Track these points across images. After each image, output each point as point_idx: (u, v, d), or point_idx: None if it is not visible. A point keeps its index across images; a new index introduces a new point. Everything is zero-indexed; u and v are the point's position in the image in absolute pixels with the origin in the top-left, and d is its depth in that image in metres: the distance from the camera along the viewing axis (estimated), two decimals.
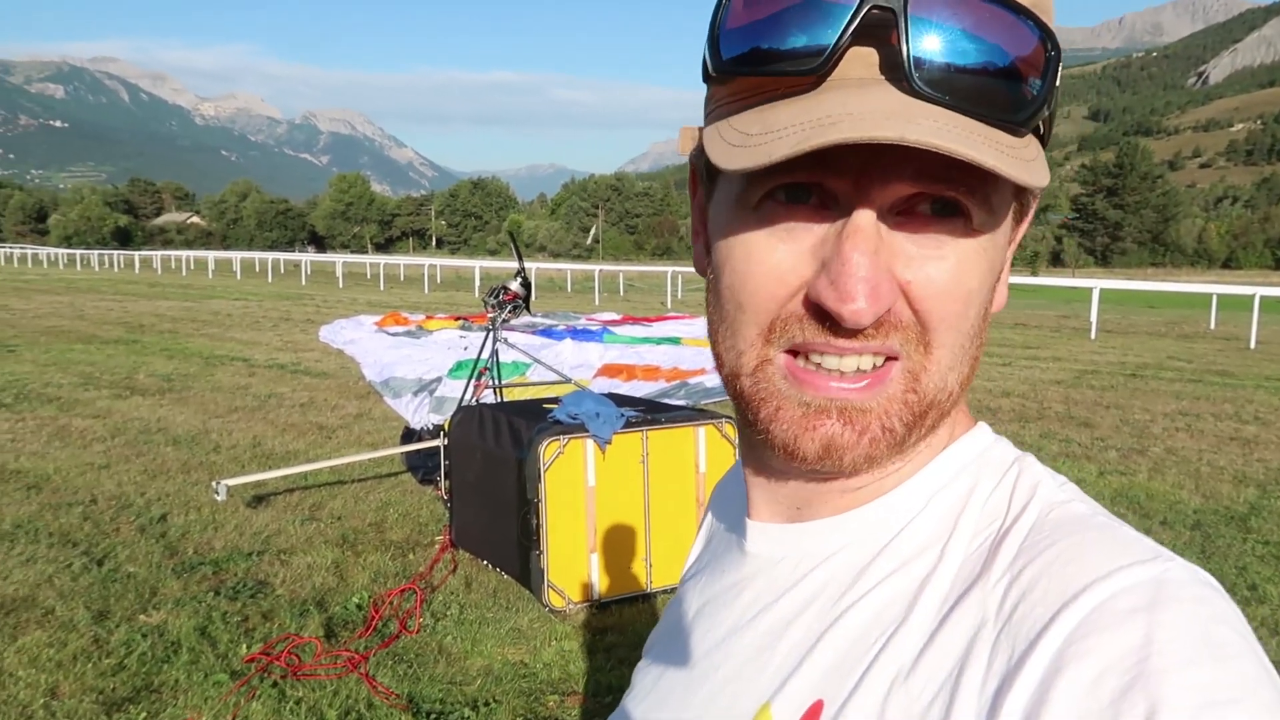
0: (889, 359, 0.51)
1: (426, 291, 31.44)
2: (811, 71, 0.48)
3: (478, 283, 31.81)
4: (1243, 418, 9.31)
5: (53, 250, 68.68)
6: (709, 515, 0.78)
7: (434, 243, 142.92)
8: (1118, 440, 8.18)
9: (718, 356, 0.56)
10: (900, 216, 0.50)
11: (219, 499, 5.53)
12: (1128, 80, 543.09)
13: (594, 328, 15.38)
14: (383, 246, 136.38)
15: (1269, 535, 5.49)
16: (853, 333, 0.50)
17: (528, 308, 6.45)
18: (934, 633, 0.50)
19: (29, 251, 65.64)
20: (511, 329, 13.05)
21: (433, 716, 3.32)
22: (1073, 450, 7.75)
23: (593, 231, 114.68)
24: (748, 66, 0.50)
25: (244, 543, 5.13)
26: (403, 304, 23.32)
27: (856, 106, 0.46)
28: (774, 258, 0.51)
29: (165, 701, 3.38)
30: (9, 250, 67.44)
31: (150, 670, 3.61)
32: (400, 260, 47.85)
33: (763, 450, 0.58)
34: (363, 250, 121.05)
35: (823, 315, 0.50)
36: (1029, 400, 10.15)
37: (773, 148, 0.47)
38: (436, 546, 5.07)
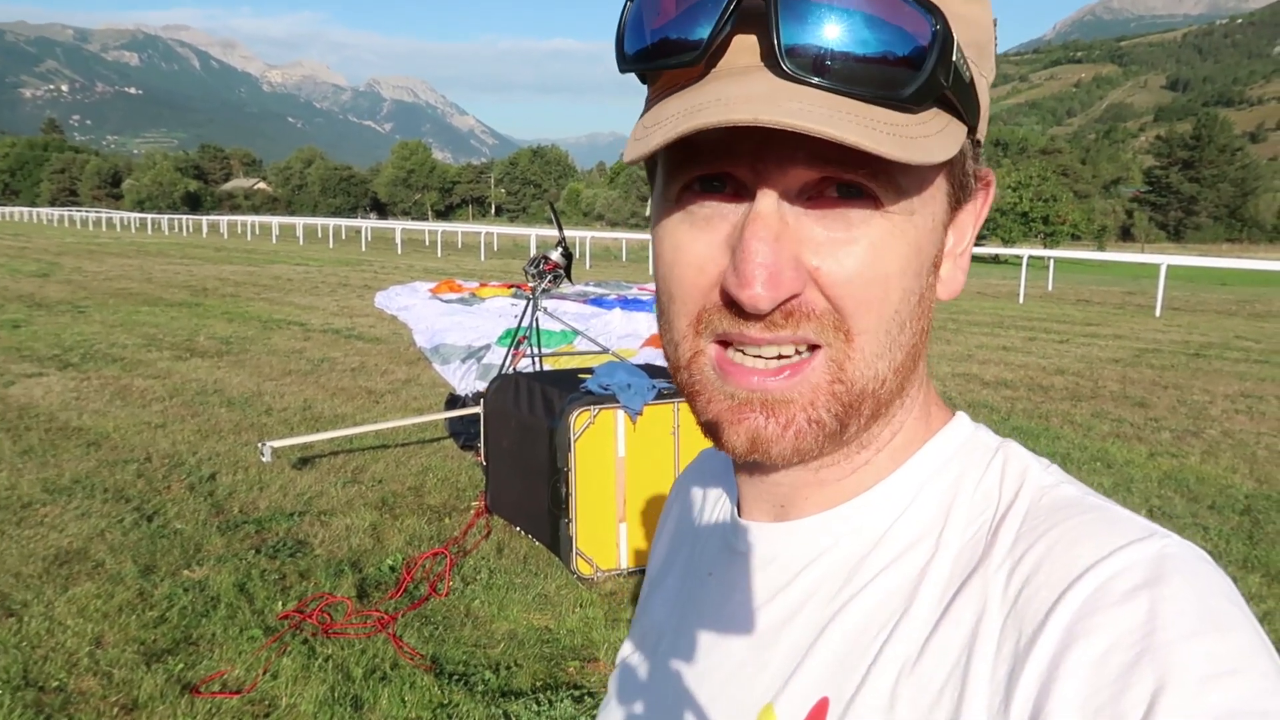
0: (812, 348, 0.51)
1: (483, 259, 31.71)
2: (692, 63, 0.48)
3: (533, 250, 31.96)
4: None
5: (126, 214, 70.69)
6: (673, 512, 0.76)
7: (493, 210, 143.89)
8: (1172, 421, 7.96)
9: (664, 350, 0.57)
10: (809, 201, 0.49)
11: (265, 460, 5.69)
12: (1209, 48, 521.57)
13: (644, 297, 15.37)
14: (443, 214, 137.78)
15: None
16: (764, 322, 0.50)
17: (569, 277, 6.47)
18: (938, 621, 0.50)
19: (104, 215, 67.59)
20: (562, 297, 13.13)
21: (454, 678, 3.40)
22: (1124, 430, 7.56)
23: (650, 200, 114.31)
24: (640, 63, 0.51)
25: (287, 503, 5.28)
26: (459, 271, 23.58)
27: (728, 92, 0.46)
28: (695, 248, 0.51)
29: (202, 654, 3.51)
30: (85, 214, 69.51)
31: (190, 624, 3.75)
32: (459, 227, 48.28)
33: None
34: (423, 217, 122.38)
35: (736, 304, 0.50)
36: (1083, 379, 9.91)
37: (651, 138, 0.48)
38: (472, 512, 5.17)
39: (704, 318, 0.52)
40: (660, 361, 8.99)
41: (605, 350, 7.62)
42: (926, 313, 0.54)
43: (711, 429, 0.53)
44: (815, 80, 0.45)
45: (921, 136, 0.47)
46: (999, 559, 0.50)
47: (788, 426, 0.51)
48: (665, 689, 0.63)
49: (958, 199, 0.54)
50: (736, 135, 0.47)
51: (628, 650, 0.72)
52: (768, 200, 0.49)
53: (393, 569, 4.37)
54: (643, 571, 4.41)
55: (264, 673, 3.37)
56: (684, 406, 4.54)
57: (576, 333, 8.88)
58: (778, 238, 0.48)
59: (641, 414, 4.42)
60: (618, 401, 4.41)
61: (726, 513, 0.63)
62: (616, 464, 4.42)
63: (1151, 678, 0.42)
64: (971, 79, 0.49)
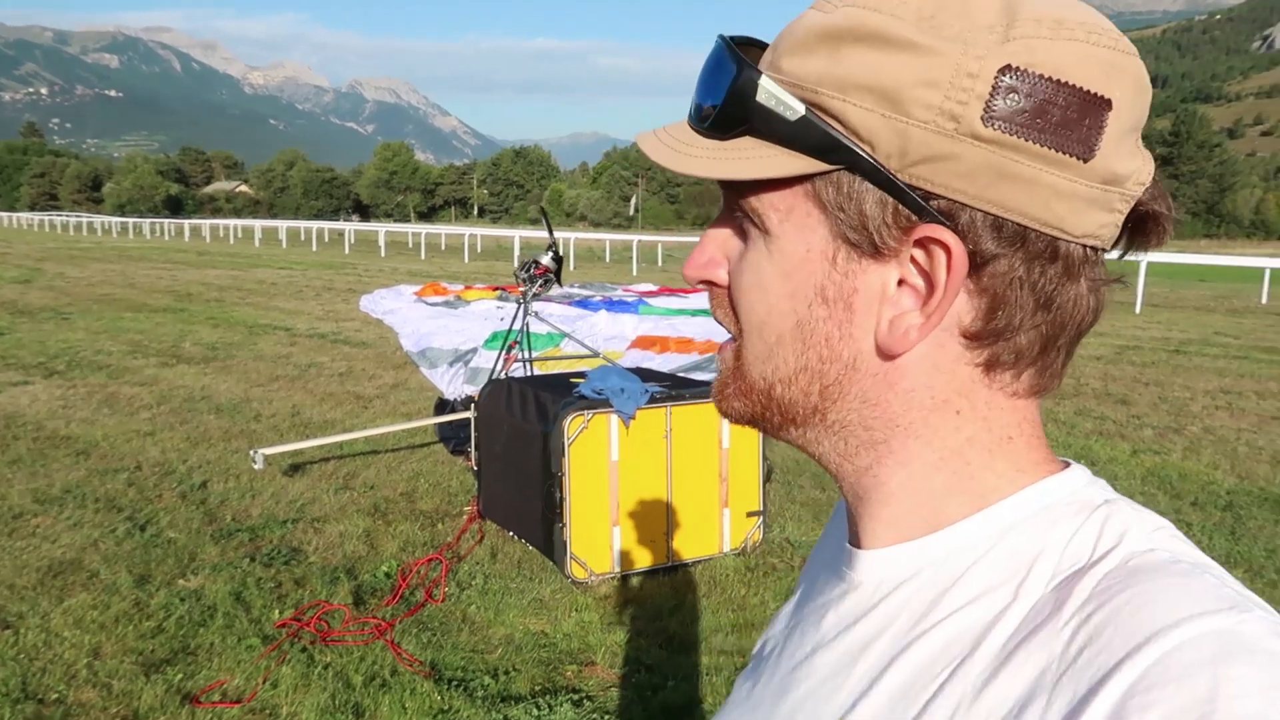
0: (733, 338, 0.62)
1: (467, 260, 31.67)
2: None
3: (517, 252, 31.95)
4: None
5: (107, 218, 70.07)
6: (829, 526, 0.80)
7: (476, 211, 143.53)
8: (1154, 418, 8.07)
9: None
10: (740, 218, 0.60)
11: (257, 467, 5.70)
12: (1188, 44, 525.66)
13: (630, 299, 15.41)
14: (425, 215, 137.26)
15: None
16: (710, 304, 0.63)
17: (559, 281, 6.51)
18: (999, 668, 0.51)
19: (85, 220, 67.04)
20: (548, 299, 13.14)
21: (454, 684, 3.43)
22: (1106, 428, 7.66)
23: (634, 201, 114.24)
24: None
25: (280, 510, 5.30)
26: (443, 274, 23.54)
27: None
28: None
29: (200, 664, 3.53)
30: (66, 219, 68.94)
31: (187, 633, 3.77)
32: (442, 229, 48.18)
33: None
34: (406, 219, 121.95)
35: None
36: (1066, 377, 9.99)
37: None
38: (464, 517, 5.19)
39: None
40: (647, 364, 9.04)
41: (594, 353, 7.66)
42: (826, 344, 0.56)
43: None
44: (691, 120, 0.59)
45: (708, 157, 0.56)
46: (1069, 614, 0.50)
47: (716, 385, 0.64)
48: (765, 695, 0.67)
49: (845, 237, 0.54)
50: None
51: (754, 653, 0.78)
52: (720, 212, 0.62)
53: (388, 575, 4.40)
54: (637, 574, 4.45)
55: (264, 681, 3.39)
56: (676, 410, 4.60)
57: (564, 335, 8.91)
58: (711, 237, 0.61)
59: (635, 418, 4.46)
60: (611, 406, 4.44)
61: (843, 535, 0.67)
62: (610, 468, 4.46)
63: None
64: (809, 118, 0.52)
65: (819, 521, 5.26)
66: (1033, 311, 0.54)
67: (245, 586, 4.21)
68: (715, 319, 0.63)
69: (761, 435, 4.83)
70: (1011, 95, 0.49)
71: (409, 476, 5.98)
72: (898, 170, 0.51)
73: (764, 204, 0.56)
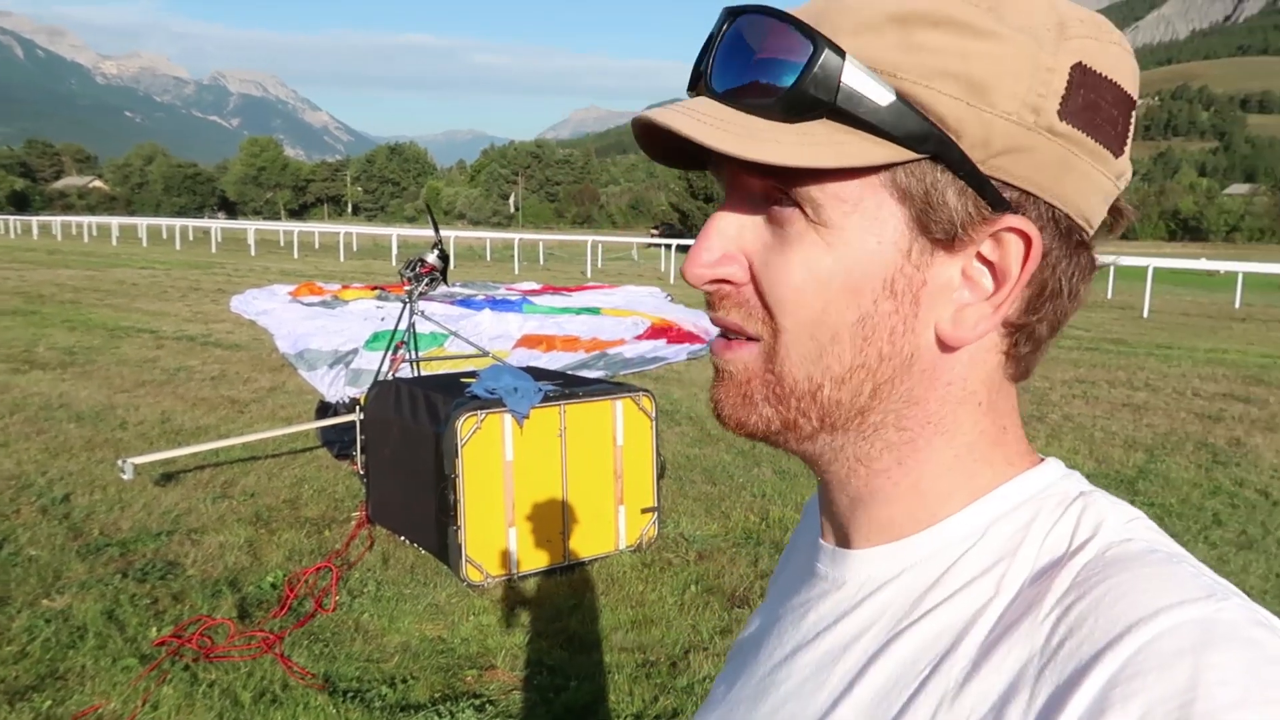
0: (750, 339, 0.57)
1: (343, 259, 30.76)
2: (690, 90, 0.58)
3: (395, 251, 31.23)
4: (1134, 385, 9.78)
5: None
6: (798, 526, 0.80)
7: (350, 209, 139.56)
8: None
9: None
10: (765, 207, 0.55)
11: (125, 478, 5.39)
12: None
13: (513, 298, 15.28)
14: (297, 213, 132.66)
15: (1154, 497, 5.82)
16: (710, 301, 0.58)
17: (445, 280, 6.40)
18: (981, 662, 0.51)
19: None
20: (430, 299, 12.89)
21: (349, 695, 3.33)
22: None
23: (513, 199, 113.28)
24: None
25: (152, 522, 5.02)
26: (318, 273, 22.80)
27: (676, 104, 0.55)
28: None
29: (71, 689, 3.31)
30: None
31: (55, 657, 3.53)
32: (315, 227, 46.61)
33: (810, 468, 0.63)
34: (276, 217, 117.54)
35: None
36: None
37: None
38: (353, 523, 5.04)
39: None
40: (533, 363, 8.98)
41: (484, 353, 7.56)
42: (889, 340, 0.54)
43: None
44: (720, 94, 0.54)
45: (779, 141, 0.51)
46: (1049, 606, 0.50)
47: (729, 394, 0.58)
48: (743, 696, 0.66)
49: (926, 228, 0.53)
50: (704, 147, 0.54)
51: (729, 655, 0.76)
52: (728, 200, 0.57)
53: (274, 586, 4.23)
54: (535, 575, 4.42)
55: (143, 704, 3.21)
56: (570, 409, 4.59)
57: (450, 334, 8.76)
58: (721, 231, 0.56)
59: (528, 417, 4.43)
60: (504, 406, 4.39)
61: (818, 533, 0.66)
62: (504, 469, 4.41)
63: None
64: (903, 103, 0.50)
65: (711, 516, 5.34)
66: (1061, 300, 0.56)
67: (118, 604, 3.97)
68: (721, 321, 0.58)
69: (655, 431, 4.90)
70: (1080, 92, 0.51)
71: (292, 483, 5.76)
72: (981, 161, 0.51)
73: (826, 194, 0.53)
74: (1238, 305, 19.80)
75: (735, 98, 0.53)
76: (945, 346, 0.55)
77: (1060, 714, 0.44)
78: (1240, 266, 21.99)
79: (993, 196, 0.52)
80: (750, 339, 0.56)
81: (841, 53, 0.50)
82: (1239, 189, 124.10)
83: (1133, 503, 0.57)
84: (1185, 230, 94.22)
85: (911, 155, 0.51)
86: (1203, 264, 26.48)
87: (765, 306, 0.55)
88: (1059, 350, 12.22)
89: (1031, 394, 9.12)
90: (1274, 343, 13.83)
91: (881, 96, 0.50)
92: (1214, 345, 13.27)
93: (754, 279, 0.55)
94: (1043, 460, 0.60)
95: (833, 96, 0.50)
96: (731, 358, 0.57)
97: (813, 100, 0.50)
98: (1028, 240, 0.52)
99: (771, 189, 0.54)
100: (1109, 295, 21.35)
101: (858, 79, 0.50)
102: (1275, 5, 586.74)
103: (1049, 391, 9.28)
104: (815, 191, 0.52)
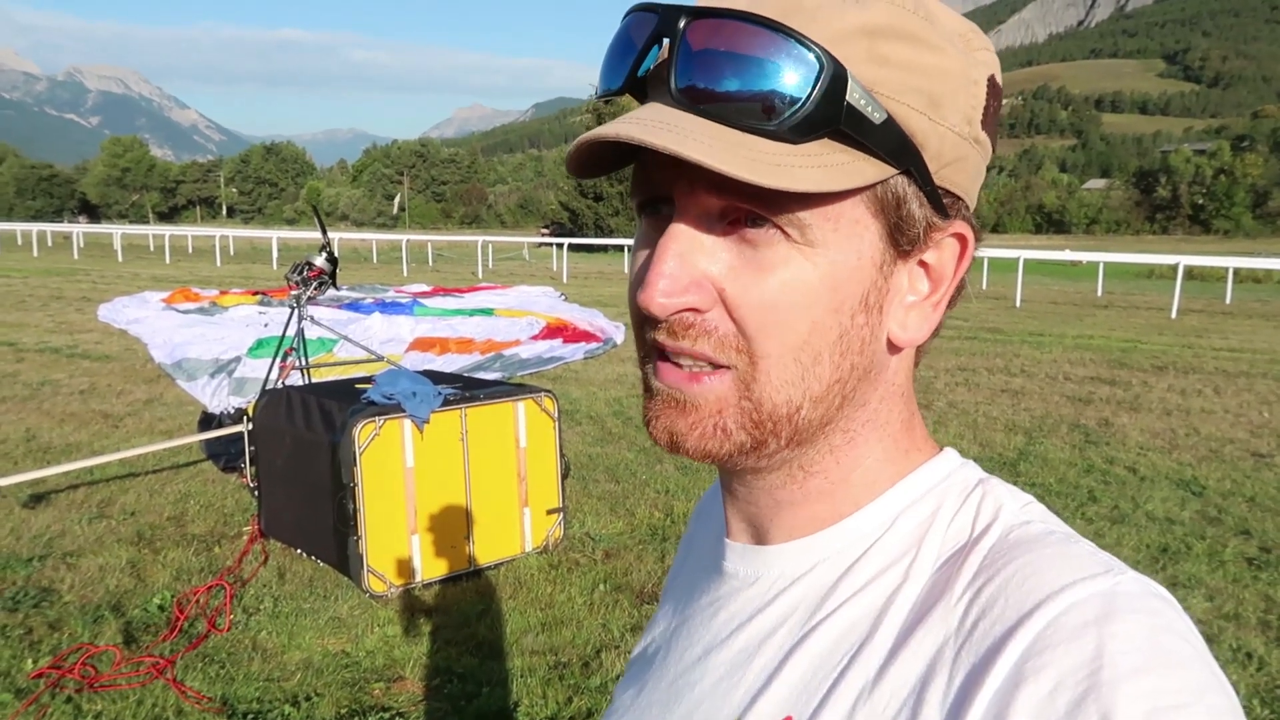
0: (719, 368, 0.53)
1: (219, 264, 29.51)
2: (615, 94, 0.55)
3: (276, 254, 30.16)
4: (1011, 371, 10.25)
5: None
6: (691, 527, 0.79)
7: (225, 211, 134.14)
8: None
9: None
10: (728, 228, 0.52)
11: None
12: None
13: (404, 300, 14.95)
14: (166, 216, 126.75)
15: (1034, 477, 6.11)
16: (666, 330, 0.53)
17: (334, 283, 6.20)
18: (898, 649, 0.51)
19: None
20: (317, 304, 12.49)
21: (250, 717, 3.19)
22: None
23: (398, 199, 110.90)
24: (601, 97, 0.56)
25: (22, 548, 4.70)
26: (193, 278, 21.81)
27: (627, 117, 0.51)
28: (636, 264, 0.56)
29: None
30: None
31: None
32: (189, 231, 44.59)
33: (722, 470, 0.61)
34: (144, 220, 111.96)
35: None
36: None
37: (571, 153, 0.54)
38: (245, 538, 4.84)
39: (645, 327, 0.55)
40: (428, 365, 8.80)
41: (379, 357, 7.37)
42: (860, 351, 0.55)
43: (646, 423, 0.57)
44: (700, 108, 0.49)
45: (794, 165, 0.49)
46: (959, 590, 0.52)
47: (694, 427, 0.54)
48: (654, 699, 0.65)
49: (896, 241, 0.54)
50: (659, 161, 0.51)
51: (632, 660, 0.74)
52: (682, 220, 0.52)
53: (162, 608, 4.02)
54: (440, 582, 4.33)
55: None
56: (471, 412, 4.51)
57: (340, 339, 8.51)
58: (682, 254, 0.52)
59: (429, 422, 4.33)
60: (403, 411, 4.29)
61: (721, 532, 0.65)
62: (405, 475, 4.30)
63: (1096, 716, 0.42)
64: (891, 121, 0.50)
65: (616, 514, 5.33)
66: (965, 291, 0.59)
67: None
68: (687, 352, 0.54)
69: (558, 431, 4.87)
70: (992, 102, 0.55)
71: (176, 499, 5.49)
72: (935, 172, 0.53)
73: (816, 214, 0.51)
74: (1100, 294, 20.99)
75: (724, 115, 0.49)
76: (893, 348, 0.57)
77: (978, 691, 0.46)
78: (1101, 257, 23.41)
79: (941, 205, 0.54)
80: (719, 367, 0.54)
81: (844, 71, 0.48)
82: (1096, 184, 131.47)
83: (1016, 484, 0.60)
84: (1050, 223, 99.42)
85: (894, 171, 0.52)
86: (1067, 255, 28.02)
87: (742, 334, 0.52)
88: (942, 340, 12.46)
89: (917, 383, 9.38)
90: (1134, 328, 14.71)
91: (877, 114, 0.50)
92: (1081, 332, 14.02)
93: (725, 305, 0.52)
94: (940, 449, 0.62)
95: (840, 117, 0.49)
96: (700, 390, 0.54)
97: (823, 121, 0.49)
98: (964, 242, 0.56)
99: (733, 207, 0.51)
100: (984, 286, 22.31)
101: (858, 97, 0.49)
102: (1123, 10, 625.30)
103: (934, 380, 9.63)
104: (804, 213, 0.51)
